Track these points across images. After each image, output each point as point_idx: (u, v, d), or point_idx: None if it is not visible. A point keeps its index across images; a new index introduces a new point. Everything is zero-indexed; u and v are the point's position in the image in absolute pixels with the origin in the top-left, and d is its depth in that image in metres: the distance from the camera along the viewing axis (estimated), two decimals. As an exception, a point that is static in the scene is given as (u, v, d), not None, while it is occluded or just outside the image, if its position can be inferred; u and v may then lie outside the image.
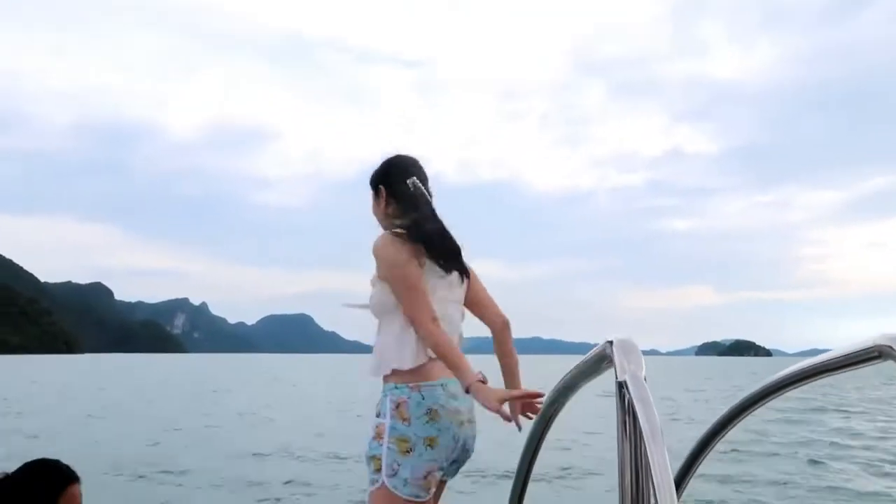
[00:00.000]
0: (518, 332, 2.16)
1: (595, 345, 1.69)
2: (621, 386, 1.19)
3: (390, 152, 2.38)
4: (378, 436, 2.07)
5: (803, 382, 1.22)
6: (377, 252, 2.16)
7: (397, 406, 2.06)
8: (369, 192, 2.36)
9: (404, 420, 2.04)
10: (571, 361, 1.71)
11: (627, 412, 1.17)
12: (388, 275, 2.12)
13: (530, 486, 1.65)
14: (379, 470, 2.03)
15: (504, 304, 2.28)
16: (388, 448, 2.04)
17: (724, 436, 1.35)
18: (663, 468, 1.03)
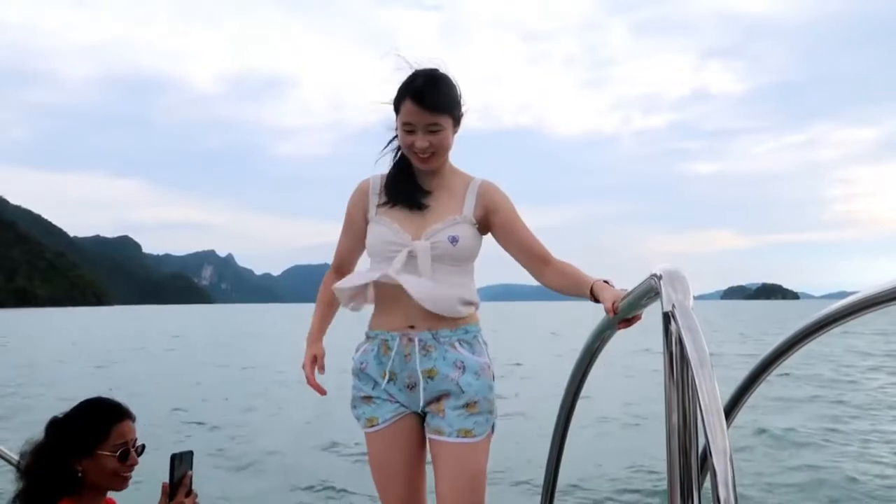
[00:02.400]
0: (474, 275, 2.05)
1: (621, 291, 1.63)
2: (668, 317, 1.13)
3: (425, 62, 1.92)
4: (492, 377, 1.94)
5: (860, 314, 1.15)
6: (504, 195, 1.98)
7: (487, 347, 1.99)
8: (445, 123, 1.88)
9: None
10: (594, 307, 1.65)
11: (675, 343, 1.12)
12: (515, 218, 1.97)
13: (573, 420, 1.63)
14: (493, 414, 1.93)
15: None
16: (493, 387, 1.95)
17: (776, 367, 1.29)
18: (712, 396, 0.98)
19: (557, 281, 1.91)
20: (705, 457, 1.15)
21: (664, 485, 1.13)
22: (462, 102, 1.94)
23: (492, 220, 1.97)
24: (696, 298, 1.24)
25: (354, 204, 2.05)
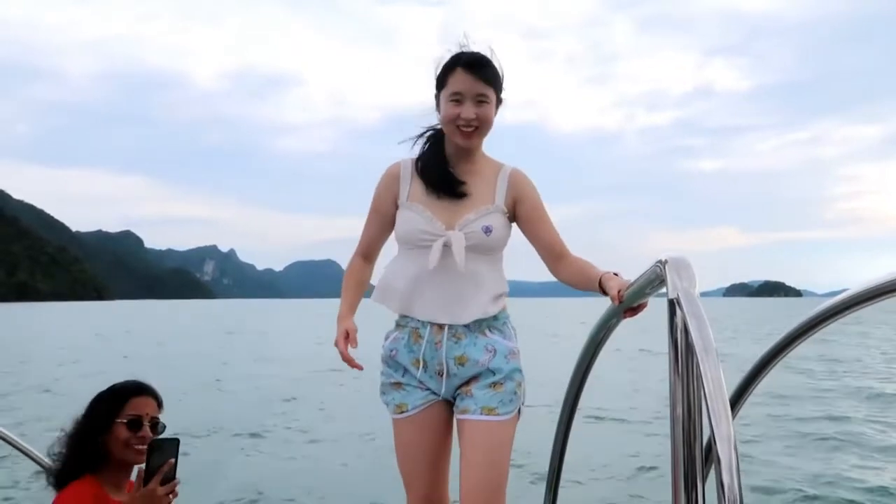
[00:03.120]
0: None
1: (626, 279, 1.63)
2: (673, 304, 1.12)
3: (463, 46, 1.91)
4: (519, 361, 1.96)
5: (866, 304, 1.13)
6: (532, 186, 1.98)
7: (516, 333, 2.01)
8: (491, 97, 1.89)
9: None
10: (598, 303, 1.65)
11: (680, 330, 1.10)
12: (542, 210, 1.98)
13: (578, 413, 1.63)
14: (520, 395, 1.94)
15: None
16: (522, 371, 1.96)
17: (783, 357, 1.27)
18: (717, 383, 0.97)
19: (570, 275, 1.92)
20: (710, 446, 1.14)
21: (669, 473, 1.12)
22: (504, 88, 1.95)
23: (518, 209, 1.98)
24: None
25: (384, 189, 2.03)
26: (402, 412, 1.96)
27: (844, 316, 1.17)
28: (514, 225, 2.02)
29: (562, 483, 1.88)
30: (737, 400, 1.33)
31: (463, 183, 1.94)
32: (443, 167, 1.95)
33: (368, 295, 2.11)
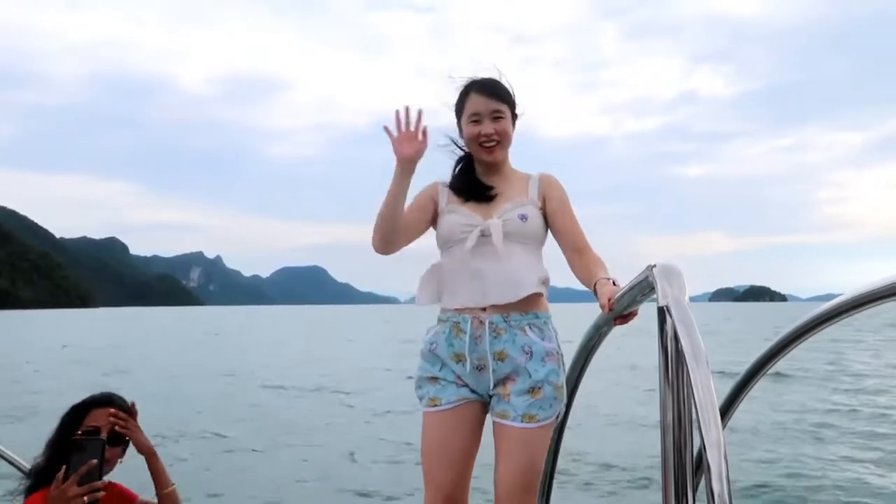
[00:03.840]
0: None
1: (618, 287, 1.64)
2: (663, 311, 1.12)
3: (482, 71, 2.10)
4: (559, 363, 1.96)
5: (857, 311, 1.14)
6: (559, 185, 2.10)
7: (557, 335, 2.02)
8: (506, 113, 2.06)
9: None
10: (585, 309, 1.66)
11: (669, 338, 1.11)
12: (566, 205, 2.06)
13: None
14: (563, 398, 1.95)
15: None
16: (560, 373, 1.97)
17: (774, 365, 1.28)
18: (707, 390, 0.97)
19: (579, 272, 1.96)
20: (700, 454, 1.14)
21: (659, 480, 1.12)
22: (517, 104, 2.10)
23: (547, 206, 2.07)
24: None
25: (427, 192, 2.16)
26: (436, 405, 1.98)
27: (835, 322, 1.18)
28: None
29: (554, 489, 1.87)
30: (727, 408, 1.33)
31: (492, 187, 2.07)
32: (473, 179, 2.11)
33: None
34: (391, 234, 2.00)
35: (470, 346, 1.95)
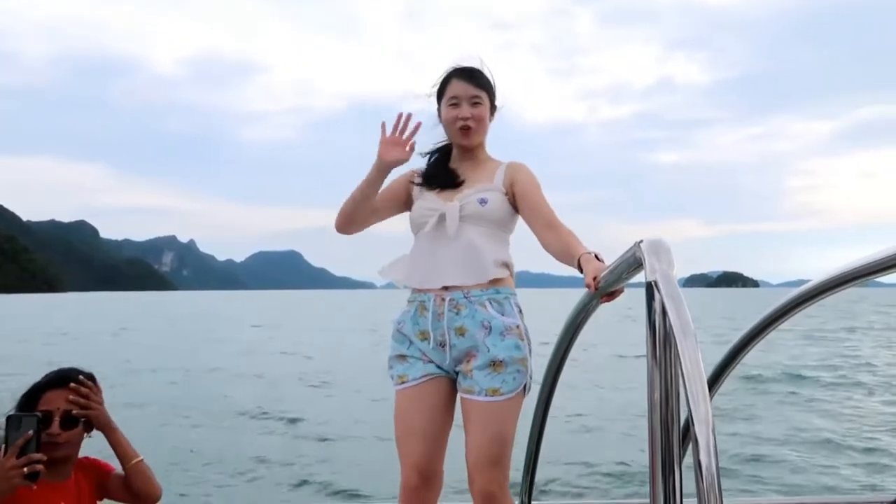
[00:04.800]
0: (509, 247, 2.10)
1: (604, 264, 1.64)
2: (651, 286, 1.12)
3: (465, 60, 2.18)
4: (521, 336, 2.00)
5: (845, 286, 1.16)
6: (528, 170, 2.15)
7: (521, 311, 2.06)
8: (484, 100, 2.13)
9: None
10: (560, 294, 1.66)
11: (657, 313, 1.10)
12: (535, 186, 2.10)
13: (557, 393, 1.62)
14: (528, 370, 1.99)
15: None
16: (531, 350, 2.02)
17: (760, 341, 1.29)
18: (695, 364, 0.97)
19: (555, 247, 1.98)
20: (687, 429, 1.14)
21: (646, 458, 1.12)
22: (496, 95, 2.18)
23: (515, 189, 2.11)
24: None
25: (405, 177, 2.21)
26: (403, 383, 2.04)
27: (818, 301, 1.20)
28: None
29: (541, 461, 1.87)
30: (713, 383, 1.34)
31: (458, 175, 2.14)
32: (445, 165, 2.19)
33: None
34: (354, 219, 2.14)
35: (433, 323, 2.01)
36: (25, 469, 1.67)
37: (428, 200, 2.13)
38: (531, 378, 2.00)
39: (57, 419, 1.81)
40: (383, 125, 2.05)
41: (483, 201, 2.06)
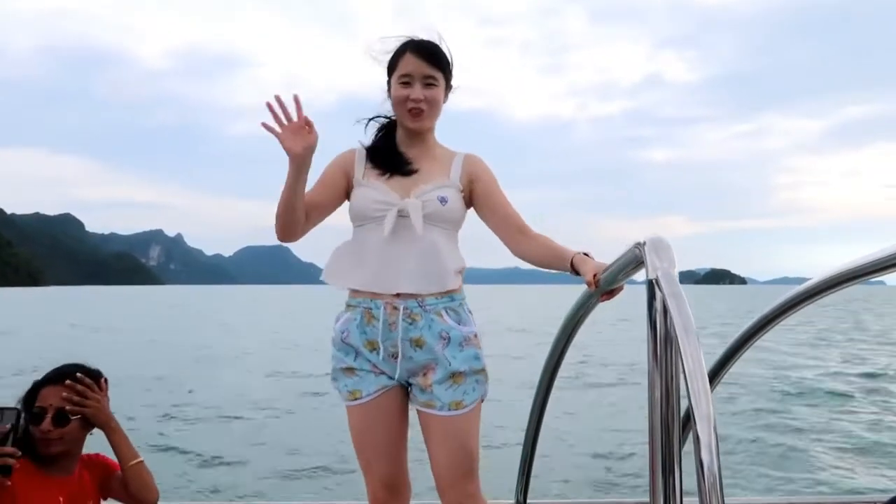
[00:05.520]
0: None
1: (600, 262, 1.63)
2: (652, 285, 1.11)
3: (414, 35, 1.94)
4: (479, 346, 1.91)
5: (848, 284, 1.16)
6: (486, 167, 1.99)
7: (472, 315, 1.96)
8: (440, 81, 1.92)
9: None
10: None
11: (658, 312, 1.10)
12: (497, 186, 1.97)
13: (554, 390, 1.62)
14: (487, 379, 1.91)
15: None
16: (480, 355, 1.92)
17: (759, 338, 1.29)
18: (697, 361, 0.97)
19: (536, 252, 1.89)
20: (686, 425, 1.14)
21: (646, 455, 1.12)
22: (453, 74, 1.97)
23: (473, 189, 1.97)
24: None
25: (336, 163, 2.00)
26: (356, 399, 1.91)
27: (820, 298, 1.20)
28: (472, 211, 2.00)
29: (537, 457, 1.86)
30: (715, 374, 1.34)
31: (412, 162, 1.94)
32: (394, 149, 1.97)
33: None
34: (292, 227, 1.90)
35: (383, 334, 1.86)
36: None
37: (377, 190, 1.91)
38: (487, 387, 1.91)
39: (49, 416, 1.79)
40: (267, 126, 1.76)
41: (443, 200, 1.90)
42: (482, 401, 1.91)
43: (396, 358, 1.86)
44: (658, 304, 1.10)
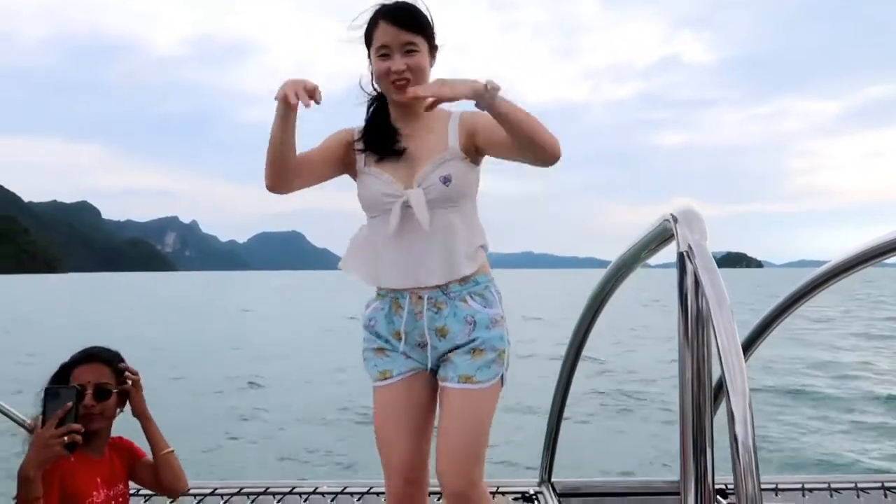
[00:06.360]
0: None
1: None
2: (683, 258, 1.07)
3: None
4: (505, 329, 1.84)
5: (877, 260, 1.12)
6: (484, 114, 1.72)
7: (501, 297, 1.88)
8: (421, 45, 1.79)
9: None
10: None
11: (689, 286, 1.06)
12: (493, 123, 1.73)
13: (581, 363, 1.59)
14: (506, 362, 1.83)
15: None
16: (510, 341, 1.86)
17: (790, 314, 1.25)
18: (731, 335, 0.94)
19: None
20: (718, 396, 1.11)
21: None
22: (435, 33, 1.85)
23: (476, 143, 1.83)
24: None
25: (339, 138, 1.90)
26: (386, 378, 1.86)
27: (850, 274, 1.16)
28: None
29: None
30: (749, 346, 1.31)
31: (399, 140, 1.84)
32: (385, 127, 1.87)
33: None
34: (282, 173, 1.78)
35: (409, 323, 1.83)
36: (66, 438, 1.69)
37: (382, 181, 1.83)
38: (507, 370, 1.84)
39: (90, 391, 1.83)
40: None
41: (446, 179, 1.79)
42: (501, 385, 1.84)
43: (424, 347, 1.83)
44: (689, 279, 1.06)
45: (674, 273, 1.09)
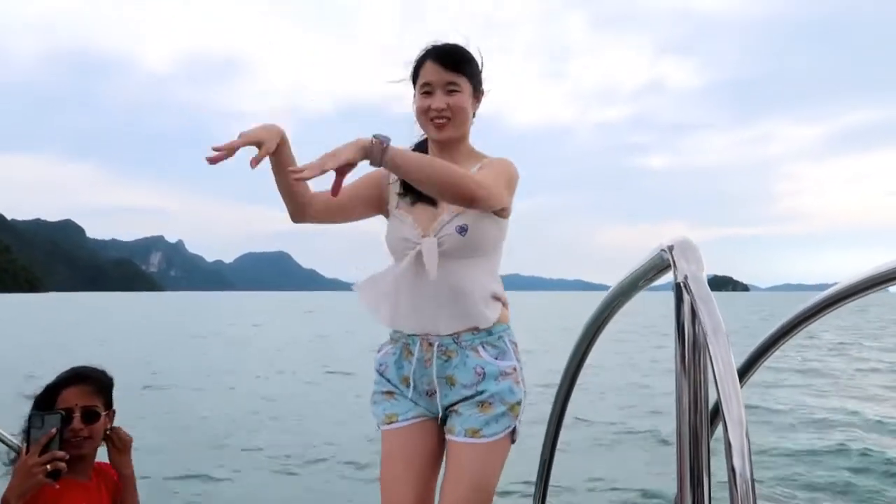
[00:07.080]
0: (499, 269, 1.93)
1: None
2: (680, 288, 1.08)
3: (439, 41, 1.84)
4: (517, 380, 1.80)
5: (879, 288, 1.14)
6: (500, 160, 1.82)
7: (516, 347, 1.85)
8: (464, 86, 1.80)
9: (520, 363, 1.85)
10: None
11: (686, 316, 1.07)
12: (492, 167, 1.80)
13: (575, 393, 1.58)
14: (517, 416, 1.80)
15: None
16: (525, 392, 1.83)
17: (787, 342, 1.26)
18: (727, 364, 0.94)
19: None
20: (713, 422, 1.11)
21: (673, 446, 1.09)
22: (482, 80, 1.88)
23: None
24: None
25: (373, 177, 1.89)
26: (392, 422, 1.83)
27: (851, 301, 1.17)
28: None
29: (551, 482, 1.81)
30: (744, 373, 1.32)
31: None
32: None
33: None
34: (292, 206, 1.82)
35: (418, 370, 1.80)
36: (49, 466, 1.66)
37: (405, 225, 1.82)
38: (519, 423, 1.80)
39: (77, 414, 1.81)
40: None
41: (463, 229, 1.75)
42: (512, 440, 1.80)
43: (433, 395, 1.81)
44: (686, 308, 1.06)
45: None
